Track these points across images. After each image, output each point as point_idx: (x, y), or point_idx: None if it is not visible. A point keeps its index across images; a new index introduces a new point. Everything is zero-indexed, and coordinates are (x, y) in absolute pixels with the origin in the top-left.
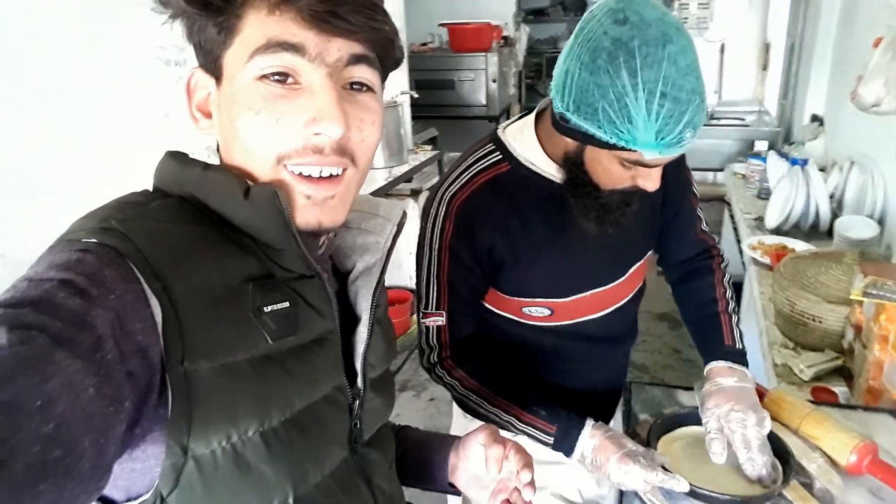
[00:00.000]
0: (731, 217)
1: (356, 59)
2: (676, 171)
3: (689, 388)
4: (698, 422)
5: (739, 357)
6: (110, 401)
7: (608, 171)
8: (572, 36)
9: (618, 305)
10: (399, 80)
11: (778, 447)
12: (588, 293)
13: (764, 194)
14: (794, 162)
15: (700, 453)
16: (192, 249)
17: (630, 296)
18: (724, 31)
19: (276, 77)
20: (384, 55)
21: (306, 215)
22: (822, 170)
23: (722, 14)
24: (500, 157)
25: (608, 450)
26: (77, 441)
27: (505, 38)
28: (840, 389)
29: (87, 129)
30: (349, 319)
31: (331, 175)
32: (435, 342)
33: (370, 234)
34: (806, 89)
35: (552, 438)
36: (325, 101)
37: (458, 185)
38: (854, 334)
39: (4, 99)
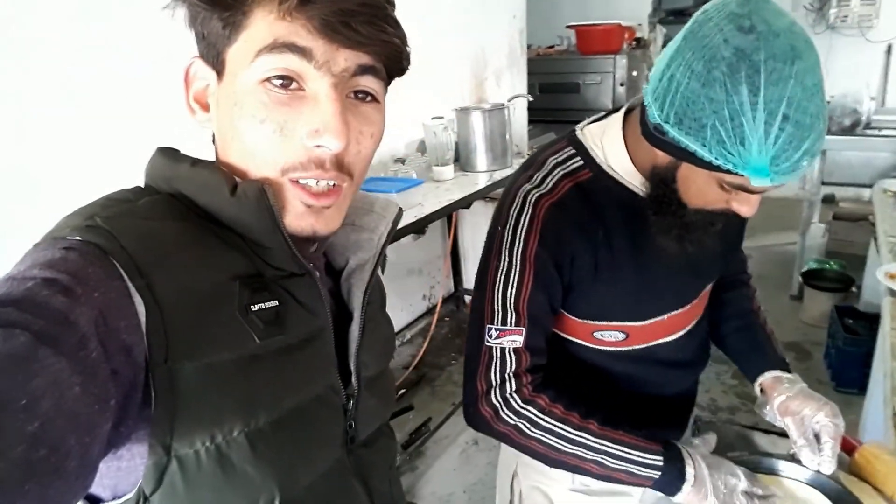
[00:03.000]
0: (876, 240)
1: (363, 70)
2: None
3: (769, 432)
4: (766, 470)
5: (787, 367)
6: (96, 399)
7: (702, 193)
8: (680, 37)
9: (689, 328)
10: (515, 84)
11: None
12: (666, 316)
13: None
14: None
15: None
16: (179, 247)
17: (700, 316)
18: (891, 30)
19: (281, 81)
20: (391, 65)
21: (301, 222)
22: None
23: (890, 11)
24: (581, 163)
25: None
26: (63, 439)
27: (638, 39)
28: None
29: (89, 129)
30: (344, 317)
31: (327, 186)
32: (513, 366)
33: (364, 230)
34: None
35: (661, 459)
36: (329, 114)
37: (546, 188)
38: None
39: (5, 98)
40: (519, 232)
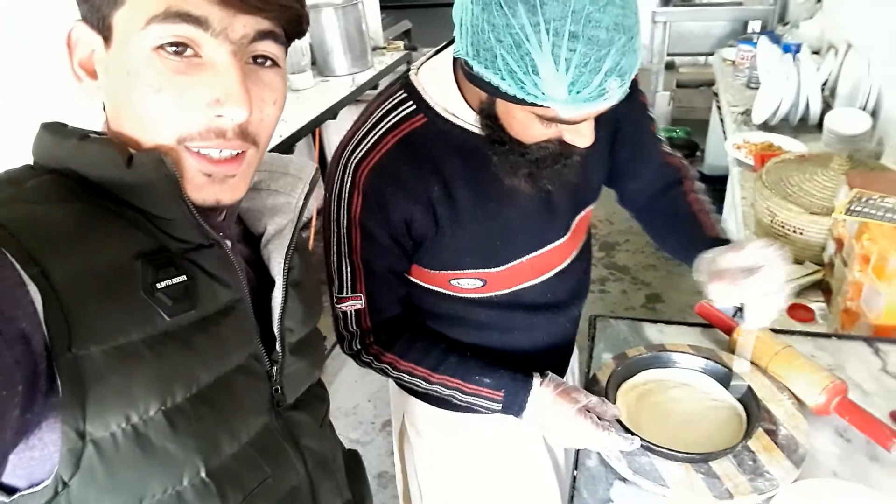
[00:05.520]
0: (719, 109)
1: (262, 35)
2: (627, 100)
3: (656, 321)
4: (663, 364)
5: (719, 242)
6: (1, 385)
7: (527, 129)
8: None
9: (560, 267)
10: None
11: (747, 399)
12: (525, 258)
13: (753, 84)
14: (786, 48)
15: (662, 401)
16: (72, 230)
17: (574, 254)
18: None
19: (175, 49)
20: (291, 29)
21: (204, 193)
22: (816, 52)
23: None
24: (414, 107)
25: (560, 406)
26: None
27: None
28: (818, 305)
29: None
30: (267, 284)
31: (230, 154)
32: (355, 327)
33: (280, 194)
34: None
35: (500, 405)
36: (230, 83)
37: (366, 148)
38: (836, 249)
39: (5, 98)
40: (342, 202)
